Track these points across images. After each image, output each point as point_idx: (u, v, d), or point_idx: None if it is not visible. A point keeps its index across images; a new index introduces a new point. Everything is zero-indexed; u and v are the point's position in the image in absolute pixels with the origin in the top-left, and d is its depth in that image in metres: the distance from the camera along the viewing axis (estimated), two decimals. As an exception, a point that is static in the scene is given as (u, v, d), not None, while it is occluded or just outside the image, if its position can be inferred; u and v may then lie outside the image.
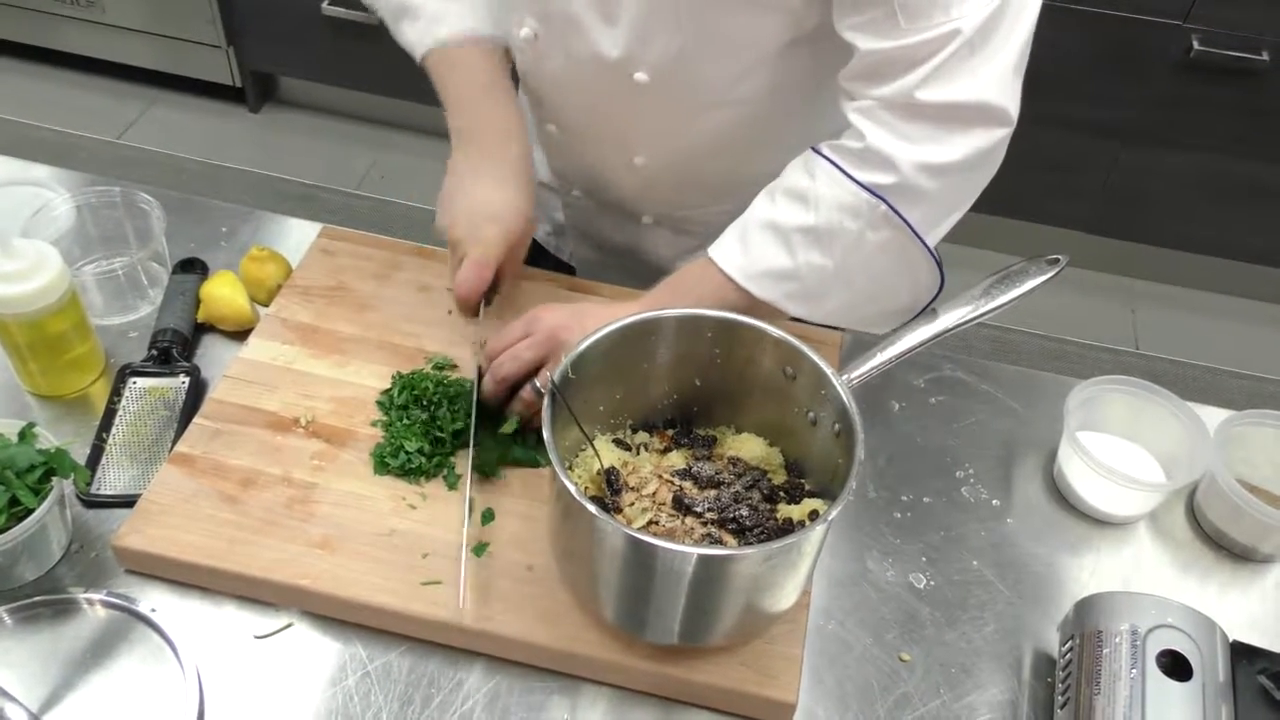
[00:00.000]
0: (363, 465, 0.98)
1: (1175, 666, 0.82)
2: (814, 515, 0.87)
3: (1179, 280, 2.77)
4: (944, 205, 0.95)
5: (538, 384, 0.97)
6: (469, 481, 0.94)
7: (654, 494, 0.89)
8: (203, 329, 1.13)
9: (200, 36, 2.83)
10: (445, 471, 0.97)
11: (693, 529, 0.87)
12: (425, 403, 1.01)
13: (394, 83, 2.72)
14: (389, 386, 1.04)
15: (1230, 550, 1.02)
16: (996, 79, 0.89)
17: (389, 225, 2.72)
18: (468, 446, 0.98)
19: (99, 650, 0.87)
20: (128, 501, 0.95)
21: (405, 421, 1.00)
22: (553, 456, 0.78)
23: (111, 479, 0.98)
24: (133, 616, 0.89)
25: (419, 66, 1.10)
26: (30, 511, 0.86)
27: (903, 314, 1.00)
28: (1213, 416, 1.05)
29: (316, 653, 0.89)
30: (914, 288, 0.99)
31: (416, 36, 1.08)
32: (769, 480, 0.92)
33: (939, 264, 0.97)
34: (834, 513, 0.77)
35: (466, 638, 0.88)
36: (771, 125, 1.07)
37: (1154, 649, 0.83)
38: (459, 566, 0.89)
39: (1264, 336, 2.68)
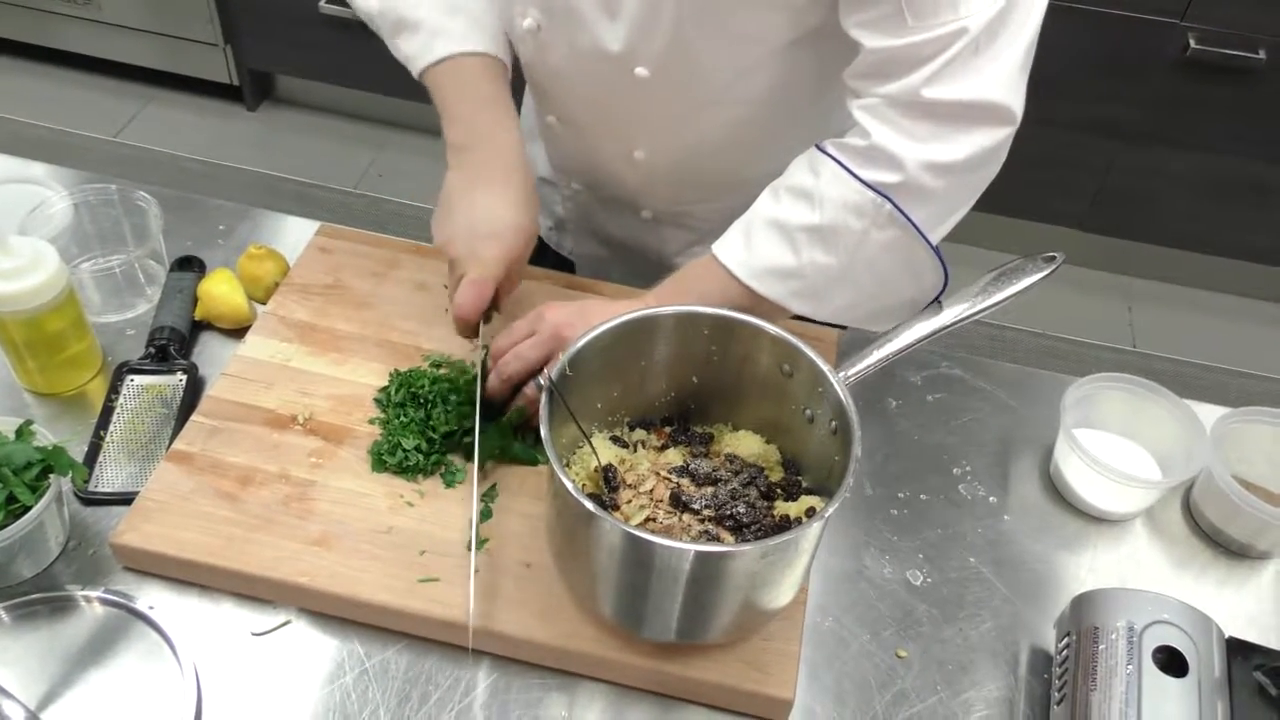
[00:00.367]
0: (360, 463, 0.98)
1: (1171, 662, 0.83)
2: (811, 512, 0.87)
3: (1175, 278, 2.77)
4: (948, 204, 0.95)
5: (540, 381, 0.96)
6: (476, 495, 0.93)
7: (651, 491, 0.89)
8: (200, 327, 1.13)
9: (198, 35, 2.83)
10: (443, 469, 0.98)
11: (690, 526, 0.87)
12: (422, 400, 1.01)
13: (392, 81, 2.66)
14: (386, 384, 1.04)
15: (1226, 547, 1.03)
16: (1003, 78, 0.89)
17: (386, 223, 2.72)
18: (462, 446, 0.98)
19: (97, 648, 0.87)
20: (125, 499, 0.95)
21: (403, 419, 1.00)
22: (550, 454, 0.78)
23: (109, 476, 0.98)
24: (130, 614, 0.89)
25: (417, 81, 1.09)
26: (27, 509, 0.86)
27: (906, 311, 1.00)
28: (1209, 414, 1.05)
29: (314, 650, 0.89)
30: (918, 286, 0.99)
31: (416, 51, 1.05)
32: (766, 477, 0.92)
33: (943, 262, 0.97)
34: (831, 510, 0.77)
35: (464, 635, 0.88)
36: (773, 128, 1.07)
37: (1150, 645, 0.83)
38: (458, 566, 0.89)
39: (1260, 334, 2.69)
